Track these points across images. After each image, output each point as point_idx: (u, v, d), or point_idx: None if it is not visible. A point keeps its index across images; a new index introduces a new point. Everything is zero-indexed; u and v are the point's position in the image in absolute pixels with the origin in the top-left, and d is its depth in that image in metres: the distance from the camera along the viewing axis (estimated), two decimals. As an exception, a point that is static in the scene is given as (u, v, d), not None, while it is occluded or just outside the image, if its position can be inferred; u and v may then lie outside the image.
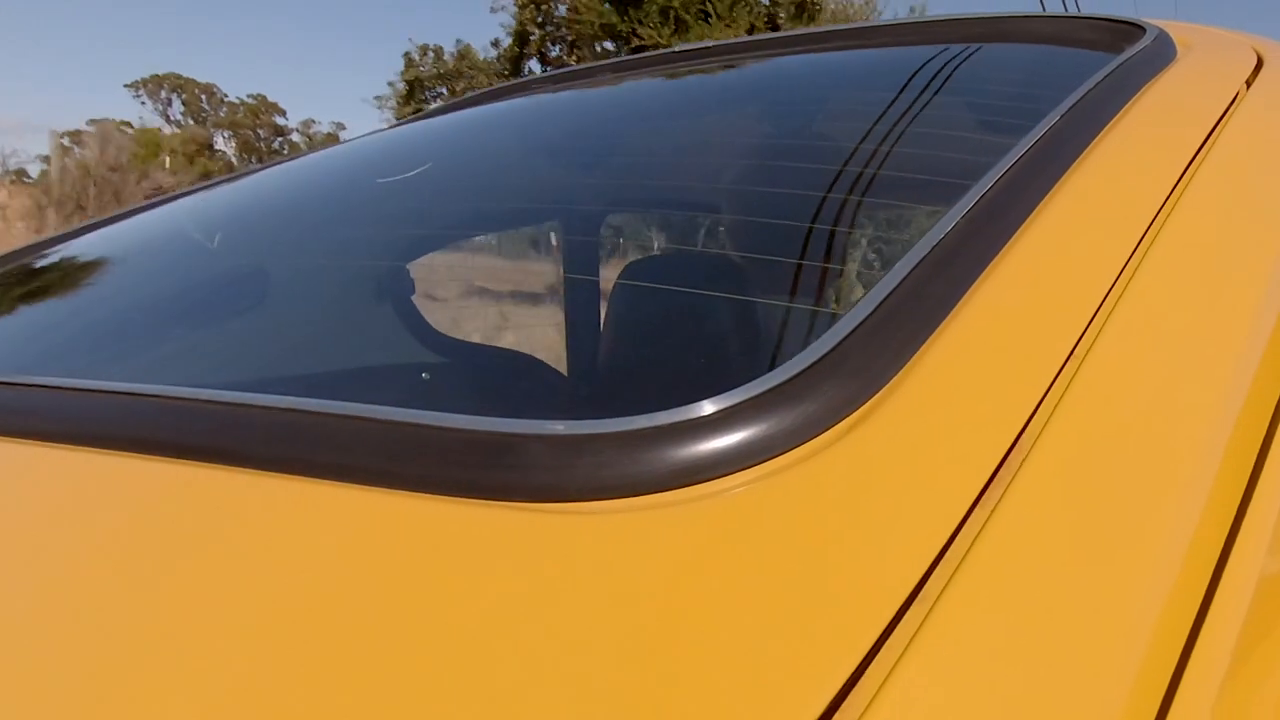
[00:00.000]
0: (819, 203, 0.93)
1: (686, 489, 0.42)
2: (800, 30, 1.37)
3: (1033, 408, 0.45)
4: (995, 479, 0.41)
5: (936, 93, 1.13)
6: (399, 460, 0.48)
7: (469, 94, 1.67)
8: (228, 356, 1.00)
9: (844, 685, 0.32)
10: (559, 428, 0.46)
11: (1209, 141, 0.73)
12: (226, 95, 53.22)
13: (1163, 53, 0.93)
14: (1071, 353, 0.49)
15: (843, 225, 1.09)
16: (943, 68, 1.22)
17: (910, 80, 1.19)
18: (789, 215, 0.91)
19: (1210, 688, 0.37)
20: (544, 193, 1.25)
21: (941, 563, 0.37)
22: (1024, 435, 0.44)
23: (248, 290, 1.12)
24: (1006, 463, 0.42)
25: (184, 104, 51.85)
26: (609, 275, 1.62)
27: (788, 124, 1.14)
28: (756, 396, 0.45)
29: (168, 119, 51.69)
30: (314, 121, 53.92)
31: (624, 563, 0.39)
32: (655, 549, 0.40)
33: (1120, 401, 0.48)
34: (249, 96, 53.59)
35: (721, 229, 1.19)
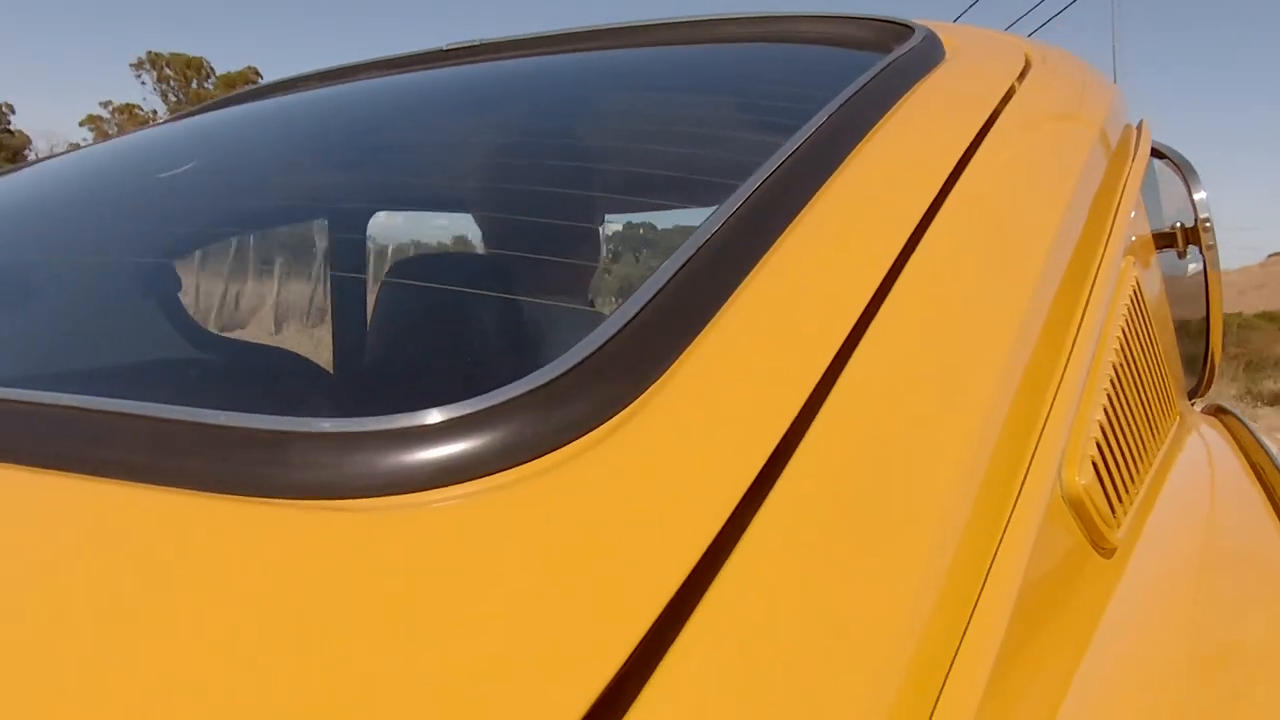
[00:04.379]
0: (586, 203, 0.93)
1: (449, 488, 0.42)
2: (571, 29, 1.36)
3: (800, 406, 0.46)
4: (762, 478, 0.42)
5: (705, 93, 1.15)
6: (162, 455, 0.47)
7: (238, 90, 1.62)
8: None
9: (606, 688, 0.32)
10: (324, 425, 0.45)
11: (977, 140, 0.76)
12: (215, 70, 47.25)
13: (931, 53, 0.96)
14: (840, 350, 0.51)
15: (611, 226, 1.10)
16: (711, 68, 1.24)
17: (679, 80, 1.20)
18: (557, 215, 0.91)
19: (976, 688, 0.39)
20: (311, 189, 1.21)
21: (705, 563, 0.38)
22: (791, 434, 0.45)
23: (7, 286, 1.07)
24: (773, 461, 0.43)
25: (174, 82, 46.10)
26: (375, 273, 1.59)
27: (556, 123, 1.14)
28: (521, 395, 0.46)
29: (165, 98, 46.00)
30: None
31: (382, 561, 0.39)
32: (414, 548, 0.39)
33: (890, 399, 0.50)
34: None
35: (490, 228, 1.18)
